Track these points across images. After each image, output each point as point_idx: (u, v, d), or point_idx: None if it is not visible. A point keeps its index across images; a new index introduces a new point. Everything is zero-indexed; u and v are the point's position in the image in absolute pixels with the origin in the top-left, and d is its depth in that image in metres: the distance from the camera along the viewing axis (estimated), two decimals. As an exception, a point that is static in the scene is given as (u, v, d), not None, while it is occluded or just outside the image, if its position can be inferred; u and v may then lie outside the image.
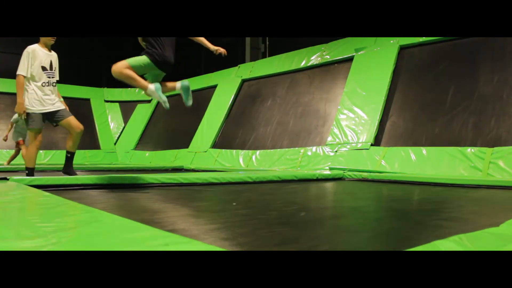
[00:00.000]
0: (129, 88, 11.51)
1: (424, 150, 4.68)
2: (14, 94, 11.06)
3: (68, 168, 4.13)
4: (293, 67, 7.38)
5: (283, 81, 7.52)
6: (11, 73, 10.17)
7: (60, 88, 12.05)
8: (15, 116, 7.80)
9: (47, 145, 9.58)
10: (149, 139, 10.37)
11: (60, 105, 4.08)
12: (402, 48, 5.84)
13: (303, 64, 7.21)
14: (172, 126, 9.94)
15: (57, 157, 9.38)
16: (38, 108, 3.93)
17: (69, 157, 4.15)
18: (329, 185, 4.23)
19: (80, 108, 10.74)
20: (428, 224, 2.05)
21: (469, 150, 4.31)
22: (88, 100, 10.95)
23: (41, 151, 9.28)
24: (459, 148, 4.40)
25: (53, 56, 4.15)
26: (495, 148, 4.15)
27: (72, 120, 4.07)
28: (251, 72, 8.36)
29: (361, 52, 6.26)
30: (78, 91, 10.84)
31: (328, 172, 4.94)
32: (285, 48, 7.91)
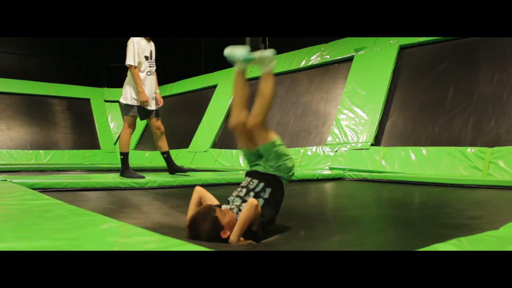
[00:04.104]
0: (129, 88, 11.50)
1: (424, 150, 4.67)
2: (14, 94, 10.98)
3: (172, 167, 4.40)
4: (293, 67, 7.37)
5: (283, 81, 7.50)
6: (11, 73, 10.20)
7: (60, 88, 11.93)
8: None
9: (47, 145, 9.56)
10: (149, 139, 10.35)
11: (155, 105, 4.31)
12: (402, 48, 5.83)
13: (303, 64, 7.20)
14: (172, 126, 9.92)
15: (57, 157, 9.36)
16: (139, 104, 4.13)
17: (166, 157, 4.39)
18: (329, 185, 4.23)
19: (80, 108, 10.72)
20: (428, 226, 2.04)
21: (469, 150, 4.30)
22: (88, 100, 10.92)
23: (41, 151, 9.26)
24: (459, 148, 4.39)
25: (152, 46, 4.33)
26: (495, 148, 4.15)
27: (157, 121, 4.35)
28: (251, 72, 8.34)
29: (361, 52, 6.25)
30: (78, 91, 10.83)
31: (328, 172, 4.93)
32: (285, 48, 7.89)
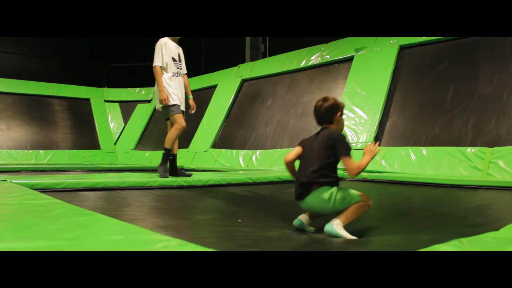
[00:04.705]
0: (129, 88, 11.51)
1: (424, 150, 4.67)
2: (14, 94, 11.00)
3: (173, 170, 4.24)
4: (293, 67, 7.37)
5: (283, 81, 7.51)
6: (11, 73, 10.20)
7: (60, 88, 11.92)
8: None
9: (47, 145, 9.57)
10: (149, 139, 10.35)
11: (184, 106, 4.32)
12: (402, 48, 5.83)
13: (303, 64, 7.20)
14: (172, 126, 9.92)
15: (57, 157, 9.37)
16: (176, 102, 4.16)
17: (172, 159, 4.29)
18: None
19: (80, 108, 10.72)
20: (428, 227, 2.04)
21: (469, 150, 4.30)
22: (88, 100, 10.94)
23: (41, 151, 9.27)
24: (459, 148, 4.39)
25: (180, 49, 4.39)
26: (495, 148, 4.15)
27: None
28: (251, 72, 8.35)
29: (361, 52, 6.25)
30: (78, 91, 10.84)
31: (328, 172, 4.92)
32: (285, 48, 7.89)
